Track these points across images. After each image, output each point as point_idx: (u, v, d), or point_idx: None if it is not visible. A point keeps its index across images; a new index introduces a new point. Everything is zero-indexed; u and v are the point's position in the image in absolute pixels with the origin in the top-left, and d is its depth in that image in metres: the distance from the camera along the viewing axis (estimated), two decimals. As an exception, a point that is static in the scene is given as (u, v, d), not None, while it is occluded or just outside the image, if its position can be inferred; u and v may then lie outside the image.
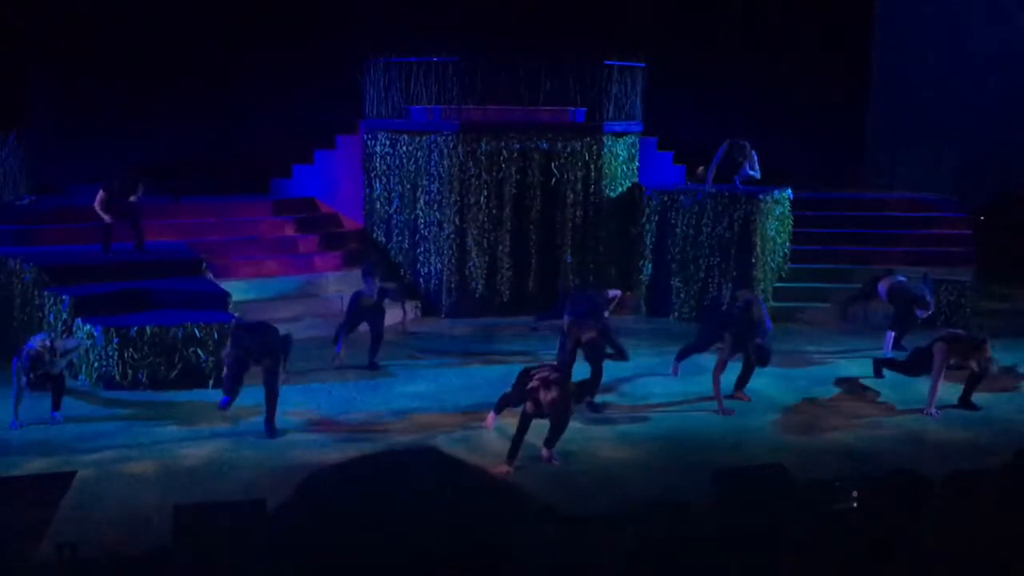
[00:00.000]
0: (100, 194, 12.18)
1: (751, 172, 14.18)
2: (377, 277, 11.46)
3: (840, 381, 11.10)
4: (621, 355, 10.77)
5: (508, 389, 8.92)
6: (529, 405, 8.26)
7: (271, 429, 9.06)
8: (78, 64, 15.03)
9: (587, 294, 11.80)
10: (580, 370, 9.93)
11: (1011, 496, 4.41)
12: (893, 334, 11.86)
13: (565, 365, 10.01)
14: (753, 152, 14.25)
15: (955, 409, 10.04)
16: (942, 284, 13.42)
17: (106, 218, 12.14)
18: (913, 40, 17.94)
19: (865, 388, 10.88)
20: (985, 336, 10.17)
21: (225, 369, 9.23)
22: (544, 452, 8.45)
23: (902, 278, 12.10)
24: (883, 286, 11.82)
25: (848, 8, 17.87)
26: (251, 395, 9.34)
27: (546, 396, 8.18)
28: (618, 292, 12.33)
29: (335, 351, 11.29)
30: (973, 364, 9.87)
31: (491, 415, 9.22)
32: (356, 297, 11.38)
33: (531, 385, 8.32)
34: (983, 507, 4.29)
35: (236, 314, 11.19)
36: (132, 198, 12.36)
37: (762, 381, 10.60)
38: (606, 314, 11.52)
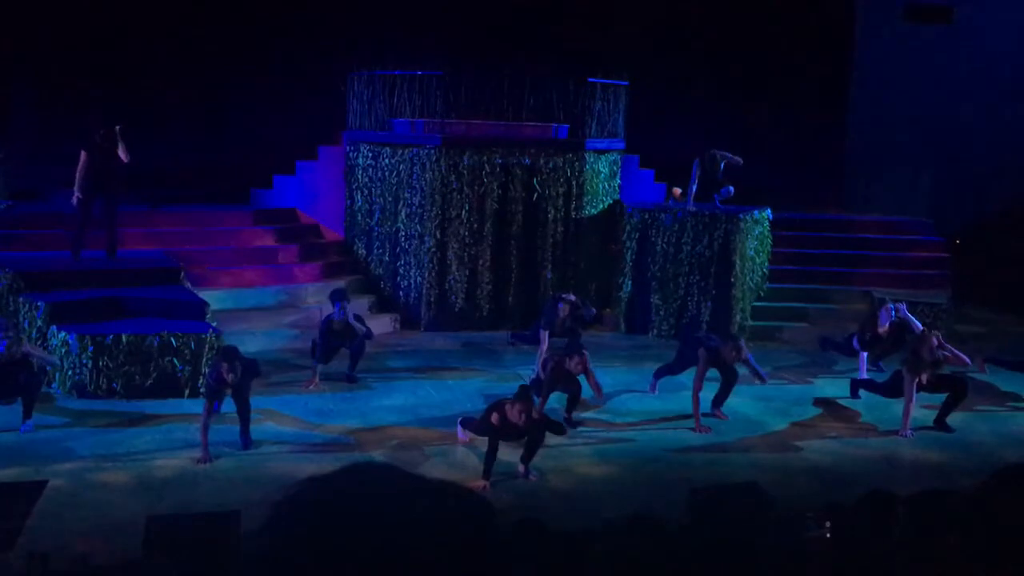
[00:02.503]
0: (82, 157, 11.62)
1: (734, 160, 14.12)
2: (347, 302, 11.22)
3: (818, 401, 11.16)
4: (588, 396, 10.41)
5: (479, 412, 8.94)
6: (495, 417, 8.27)
7: (246, 441, 9.03)
8: (57, 71, 14.96)
9: (564, 296, 11.72)
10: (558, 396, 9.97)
11: (984, 518, 4.44)
12: (866, 355, 11.92)
13: (542, 383, 9.99)
14: (722, 153, 14.16)
15: (930, 431, 10.11)
16: (917, 307, 13.52)
17: (77, 195, 11.58)
18: (891, 64, 18.16)
19: (842, 408, 10.93)
20: (935, 334, 10.22)
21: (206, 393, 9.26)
22: (521, 468, 8.47)
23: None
24: (855, 340, 11.88)
25: (829, 32, 18.06)
26: (227, 405, 9.30)
27: (514, 413, 8.19)
28: (593, 311, 12.16)
29: (312, 371, 11.11)
30: (942, 357, 9.93)
31: (459, 430, 9.27)
32: (327, 321, 11.18)
33: (503, 405, 8.36)
34: (953, 528, 4.32)
35: (214, 324, 11.13)
36: (119, 152, 11.68)
37: (740, 400, 10.64)
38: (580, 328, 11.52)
